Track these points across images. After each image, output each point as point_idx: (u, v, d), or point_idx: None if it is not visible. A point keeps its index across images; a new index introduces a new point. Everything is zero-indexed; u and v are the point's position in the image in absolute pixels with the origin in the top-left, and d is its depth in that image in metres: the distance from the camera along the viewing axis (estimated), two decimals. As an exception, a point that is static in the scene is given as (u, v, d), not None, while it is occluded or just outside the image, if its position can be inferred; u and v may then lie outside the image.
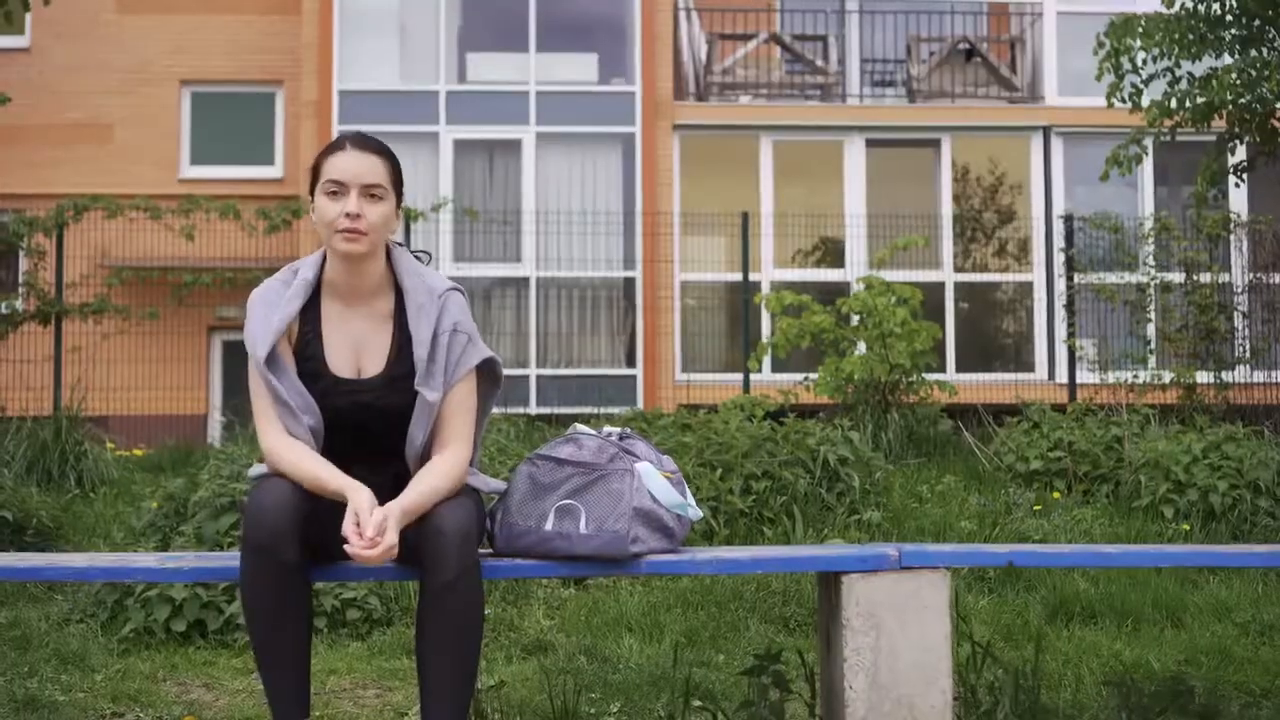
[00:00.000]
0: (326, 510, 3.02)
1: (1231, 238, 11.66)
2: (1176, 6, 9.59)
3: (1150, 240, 11.56)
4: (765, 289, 13.44)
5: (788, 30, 15.61)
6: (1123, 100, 9.81)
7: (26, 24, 15.01)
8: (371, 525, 2.89)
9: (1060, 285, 13.89)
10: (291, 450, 3.04)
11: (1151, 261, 11.42)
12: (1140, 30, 9.58)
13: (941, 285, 14.22)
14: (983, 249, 15.20)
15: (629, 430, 3.36)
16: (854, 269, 13.97)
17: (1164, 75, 9.78)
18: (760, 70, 15.22)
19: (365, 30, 14.65)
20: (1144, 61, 9.78)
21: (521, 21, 14.66)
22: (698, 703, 4.23)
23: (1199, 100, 9.46)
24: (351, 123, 14.26)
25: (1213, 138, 10.45)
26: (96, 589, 5.68)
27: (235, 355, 15.47)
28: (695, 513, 3.25)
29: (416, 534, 2.99)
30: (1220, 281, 11.18)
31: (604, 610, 5.84)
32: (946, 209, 14.63)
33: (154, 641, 5.40)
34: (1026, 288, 14.66)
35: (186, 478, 6.60)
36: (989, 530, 6.65)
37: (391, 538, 2.90)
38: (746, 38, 15.25)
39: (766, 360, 11.67)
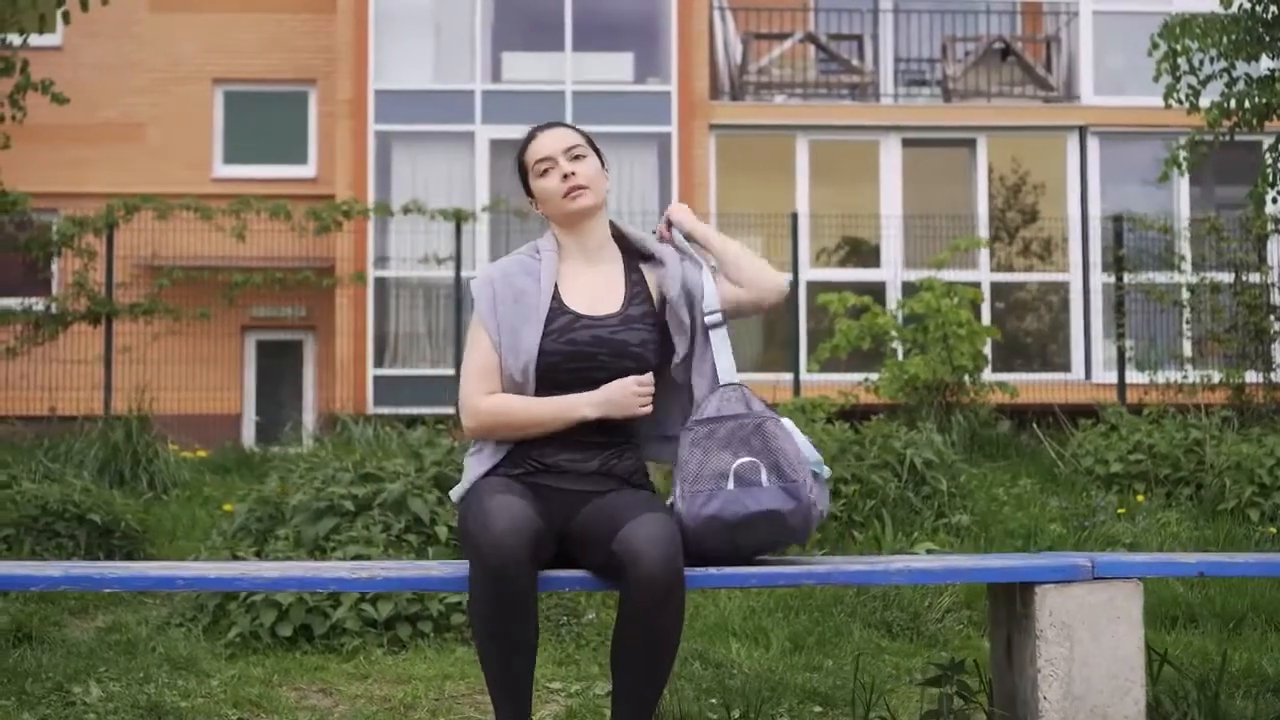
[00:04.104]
0: (552, 528, 3.10)
1: (1276, 238, 11.64)
2: (1234, 7, 9.57)
3: (1188, 240, 11.52)
4: (802, 289, 13.42)
5: (822, 30, 15.59)
6: (1180, 101, 9.79)
7: (58, 23, 14.91)
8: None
9: (1097, 285, 13.88)
10: (495, 399, 3.26)
11: (1189, 262, 11.37)
12: (1198, 31, 9.56)
13: (978, 286, 14.17)
14: (1020, 249, 15.16)
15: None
16: (891, 269, 13.95)
17: (1221, 76, 9.76)
18: (795, 70, 15.20)
19: (400, 29, 14.61)
20: (1200, 63, 9.76)
21: (556, 21, 14.63)
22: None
23: (1258, 101, 9.45)
24: (387, 122, 14.23)
25: (1257, 139, 10.43)
26: (196, 593, 5.65)
27: (269, 355, 15.42)
28: (827, 470, 3.21)
29: (621, 549, 2.93)
30: (1269, 282, 11.16)
31: (705, 615, 5.81)
32: (983, 209, 14.61)
33: (260, 646, 5.35)
34: (1063, 288, 14.62)
35: (275, 481, 6.56)
36: (1078, 534, 6.63)
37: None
38: (781, 37, 15.23)
39: (804, 360, 11.60)
